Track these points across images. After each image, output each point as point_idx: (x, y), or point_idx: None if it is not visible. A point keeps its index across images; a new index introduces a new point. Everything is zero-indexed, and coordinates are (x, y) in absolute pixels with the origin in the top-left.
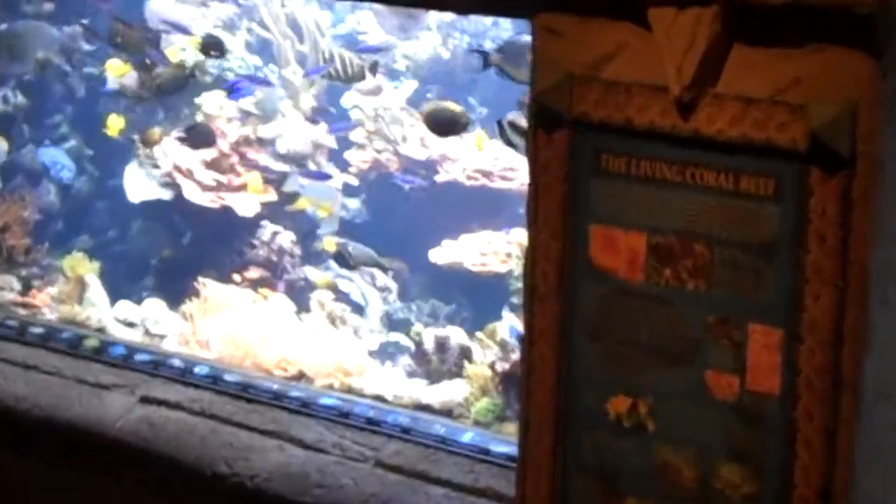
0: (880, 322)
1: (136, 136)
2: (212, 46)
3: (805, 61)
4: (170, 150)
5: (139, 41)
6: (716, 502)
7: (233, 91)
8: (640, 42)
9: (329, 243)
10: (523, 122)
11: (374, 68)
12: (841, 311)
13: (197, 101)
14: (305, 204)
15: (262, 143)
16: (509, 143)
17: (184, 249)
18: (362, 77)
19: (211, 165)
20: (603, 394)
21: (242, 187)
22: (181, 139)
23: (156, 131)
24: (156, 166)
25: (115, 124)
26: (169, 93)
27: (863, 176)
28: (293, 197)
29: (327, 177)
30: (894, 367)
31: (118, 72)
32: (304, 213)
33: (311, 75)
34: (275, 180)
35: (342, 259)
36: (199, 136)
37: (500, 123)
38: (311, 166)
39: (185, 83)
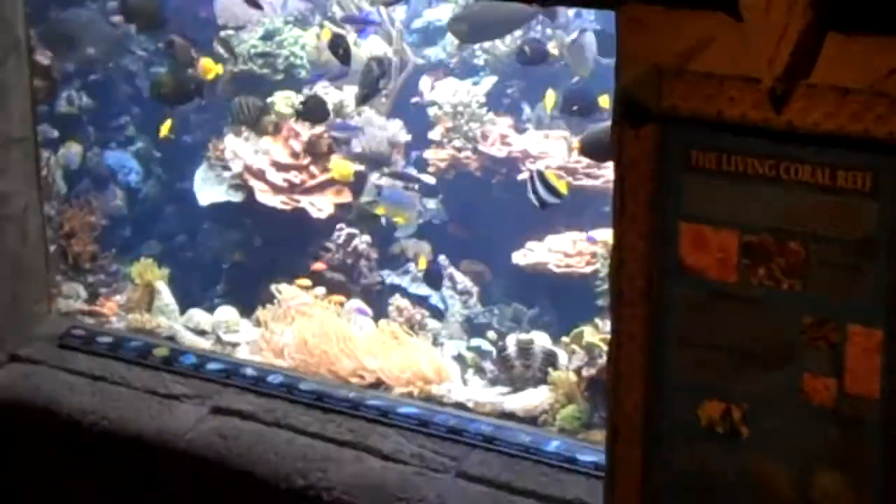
0: None
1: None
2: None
3: None
4: (240, 150)
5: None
6: None
7: (362, 31)
8: (730, 32)
9: (422, 261)
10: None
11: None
12: None
13: (269, 100)
14: (381, 211)
15: (336, 142)
16: (538, 199)
17: (256, 254)
18: None
19: (283, 167)
20: (694, 400)
21: (316, 188)
22: (298, 112)
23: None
24: (226, 168)
25: (164, 125)
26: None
27: None
28: (371, 205)
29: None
30: None
31: (211, 72)
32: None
33: None
34: (351, 182)
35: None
36: (314, 111)
37: (531, 175)
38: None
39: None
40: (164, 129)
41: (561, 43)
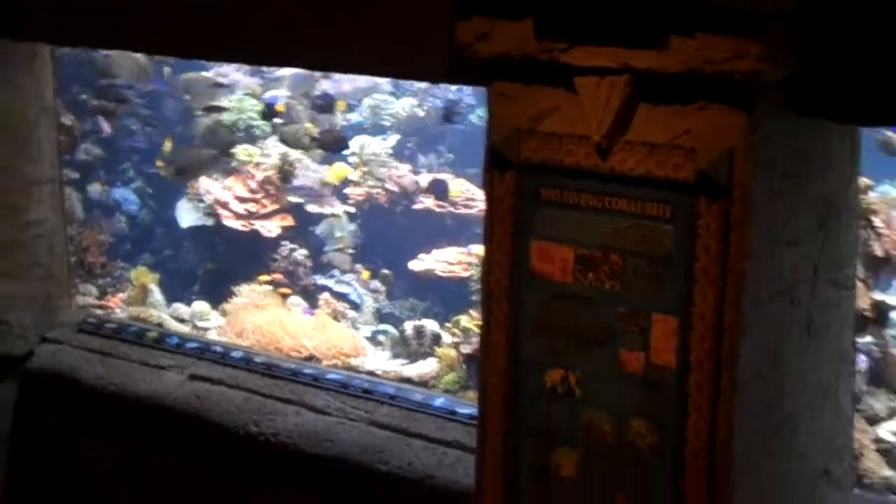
0: (754, 317)
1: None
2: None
3: (694, 116)
4: (211, 188)
5: None
6: (628, 450)
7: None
8: (569, 103)
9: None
10: None
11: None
12: (721, 306)
13: (232, 150)
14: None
15: (283, 180)
16: None
17: (222, 263)
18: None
19: (242, 199)
20: (542, 369)
21: (267, 215)
22: (314, 139)
23: None
24: (201, 200)
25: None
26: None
27: (738, 203)
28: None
29: None
30: (764, 352)
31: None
32: (315, 234)
33: None
34: (290, 210)
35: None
36: (330, 142)
37: None
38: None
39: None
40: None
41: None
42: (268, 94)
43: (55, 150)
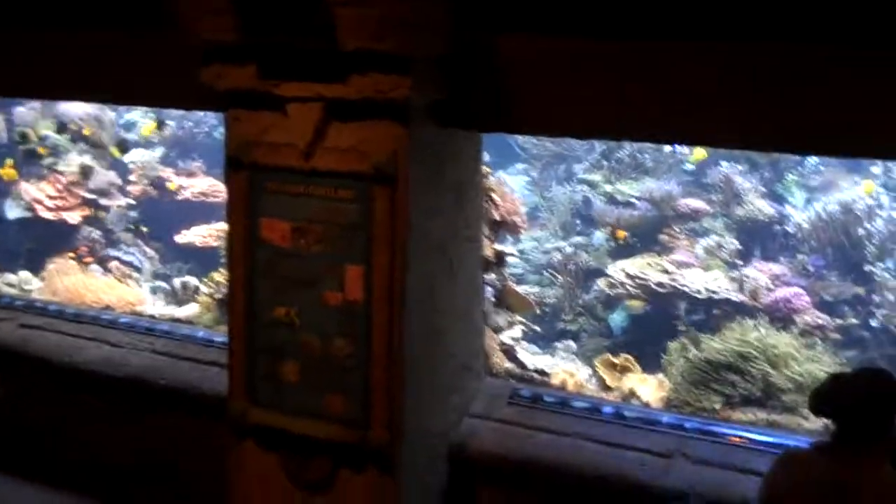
0: (415, 264)
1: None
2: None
3: (370, 128)
4: (30, 189)
5: None
6: (332, 360)
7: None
8: (282, 122)
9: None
10: None
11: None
12: (393, 258)
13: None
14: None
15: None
16: None
17: (40, 242)
18: None
19: (52, 197)
20: (271, 305)
21: (71, 208)
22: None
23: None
24: (22, 199)
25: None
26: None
27: (401, 188)
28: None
29: None
30: (423, 287)
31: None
32: (107, 220)
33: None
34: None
35: None
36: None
37: None
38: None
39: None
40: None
41: None
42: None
43: None
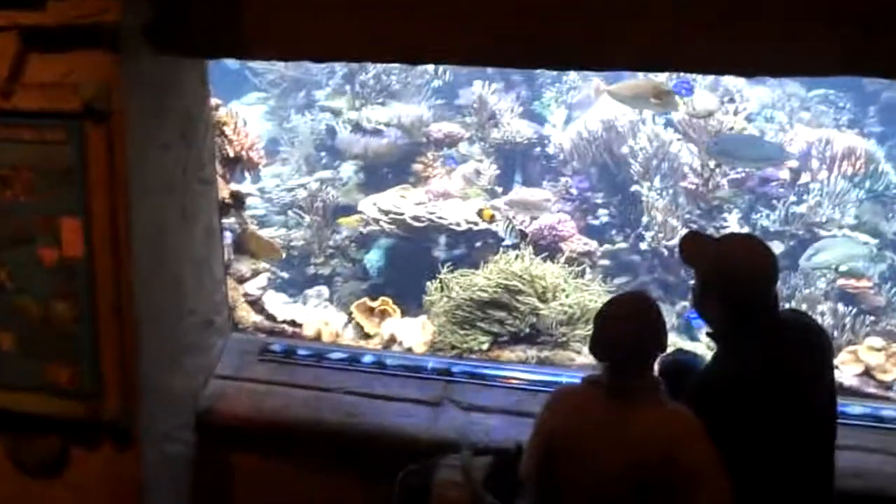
0: (141, 208)
1: None
2: None
3: (75, 60)
4: None
5: None
6: (53, 325)
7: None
8: None
9: None
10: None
11: None
12: (114, 207)
13: None
14: None
15: None
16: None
17: None
18: None
19: None
20: None
21: None
22: None
23: None
24: None
25: None
26: None
27: (116, 124)
28: None
29: None
30: (151, 234)
31: None
32: None
33: None
34: None
35: None
36: None
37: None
38: None
39: None
40: None
41: None
42: None
43: None
